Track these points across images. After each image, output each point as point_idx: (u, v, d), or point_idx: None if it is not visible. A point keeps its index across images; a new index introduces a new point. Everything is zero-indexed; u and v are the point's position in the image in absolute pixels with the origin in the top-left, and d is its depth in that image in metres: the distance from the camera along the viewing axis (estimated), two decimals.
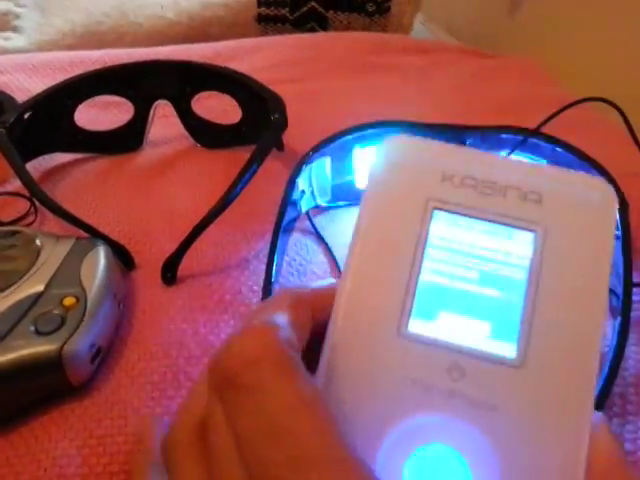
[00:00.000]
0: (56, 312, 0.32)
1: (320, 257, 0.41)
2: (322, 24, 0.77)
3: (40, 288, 0.33)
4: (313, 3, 0.75)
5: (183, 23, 0.74)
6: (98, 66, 0.52)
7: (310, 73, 0.61)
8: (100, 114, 0.52)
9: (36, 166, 0.49)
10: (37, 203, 0.43)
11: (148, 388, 0.31)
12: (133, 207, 0.45)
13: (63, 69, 0.62)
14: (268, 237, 0.37)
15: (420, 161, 0.24)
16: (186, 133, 0.52)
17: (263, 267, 0.36)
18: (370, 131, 0.42)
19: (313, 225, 0.42)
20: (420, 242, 0.22)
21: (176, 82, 0.49)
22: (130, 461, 0.28)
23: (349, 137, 0.42)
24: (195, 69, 0.49)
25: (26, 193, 0.43)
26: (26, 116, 0.46)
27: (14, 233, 0.38)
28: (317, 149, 0.41)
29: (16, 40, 0.72)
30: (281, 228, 0.37)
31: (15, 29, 0.72)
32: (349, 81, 0.63)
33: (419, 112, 0.48)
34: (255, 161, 0.39)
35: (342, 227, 0.43)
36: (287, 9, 0.75)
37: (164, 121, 0.52)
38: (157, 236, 0.42)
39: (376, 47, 0.68)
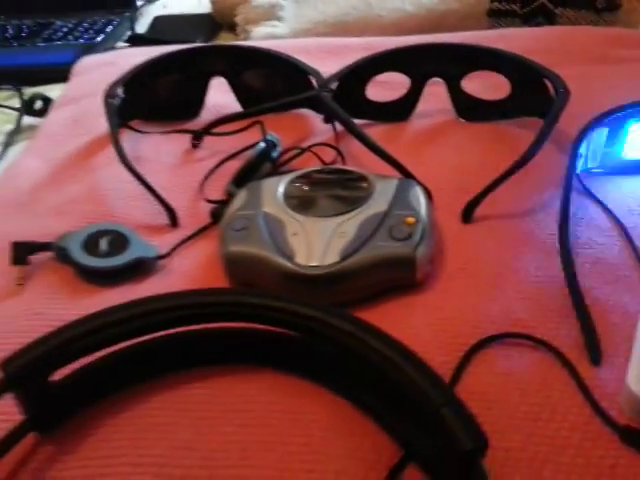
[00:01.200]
0: (404, 226, 0.41)
1: (592, 212, 0.47)
2: (550, 19, 0.82)
3: (384, 208, 0.43)
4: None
5: (421, 15, 0.83)
6: (364, 51, 0.62)
7: (554, 63, 0.67)
8: (382, 88, 0.62)
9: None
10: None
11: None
12: (410, 162, 0.54)
13: (331, 52, 0.73)
14: (550, 191, 0.44)
15: None
16: (449, 107, 0.60)
17: (550, 216, 0.44)
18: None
19: (584, 186, 0.48)
20: None
21: (450, 62, 0.58)
22: None
23: (623, 112, 0.47)
24: (470, 50, 0.57)
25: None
26: (332, 86, 0.56)
27: (346, 172, 0.48)
28: (599, 120, 0.47)
29: (280, 28, 0.86)
30: (571, 182, 0.44)
31: (279, 19, 0.86)
32: (586, 69, 0.67)
33: None
34: (550, 127, 0.46)
35: (612, 189, 0.49)
36: (518, 4, 0.81)
37: (431, 97, 0.61)
38: (445, 186, 0.50)
39: (614, 40, 0.71)
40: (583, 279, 0.40)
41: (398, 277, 0.40)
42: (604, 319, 0.37)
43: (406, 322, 0.38)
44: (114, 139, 0.51)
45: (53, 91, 0.82)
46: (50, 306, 0.40)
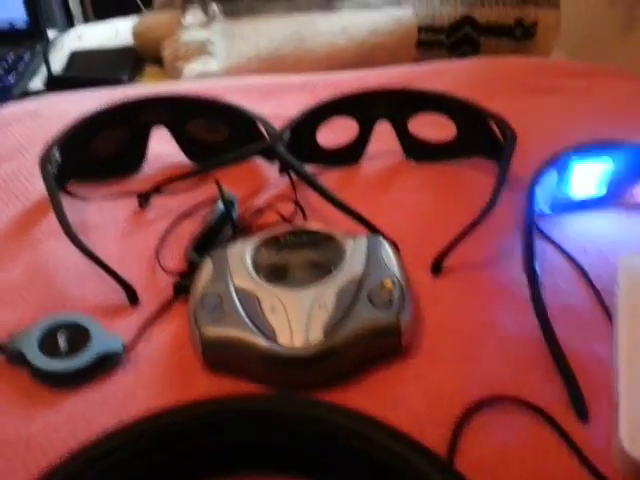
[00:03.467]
0: (383, 291, 0.41)
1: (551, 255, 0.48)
2: (474, 48, 0.85)
3: (359, 272, 0.42)
4: (468, 29, 0.84)
5: (352, 48, 0.83)
6: (302, 90, 0.61)
7: (486, 95, 0.69)
8: (331, 132, 0.61)
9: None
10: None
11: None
12: (370, 211, 0.54)
13: (270, 93, 0.72)
14: (508, 235, 0.45)
15: None
16: (398, 148, 0.61)
17: (513, 263, 0.45)
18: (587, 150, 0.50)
19: (539, 229, 0.50)
20: None
21: (396, 106, 0.58)
22: None
23: (570, 155, 0.50)
24: (415, 94, 0.58)
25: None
26: (285, 137, 0.55)
27: (312, 232, 0.47)
28: (550, 164, 0.49)
29: (212, 64, 0.83)
30: (532, 228, 0.46)
31: (210, 54, 0.83)
32: (518, 101, 0.70)
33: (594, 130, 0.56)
34: (504, 173, 0.47)
35: (564, 230, 0.51)
36: (444, 34, 0.84)
37: (378, 138, 0.61)
38: (408, 236, 0.50)
39: (538, 71, 0.75)
40: (556, 329, 0.41)
41: (383, 345, 0.40)
42: (582, 370, 0.39)
43: (397, 395, 0.38)
44: (58, 212, 0.47)
45: None
46: (7, 424, 0.36)
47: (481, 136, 0.56)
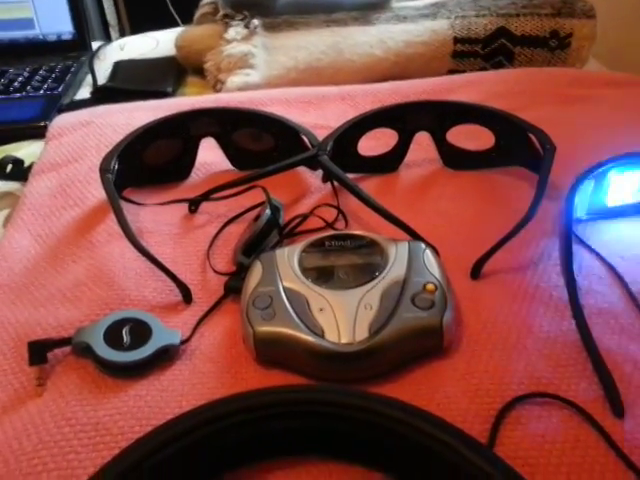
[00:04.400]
0: (425, 293, 0.43)
1: (588, 260, 0.50)
2: (509, 58, 0.87)
3: (402, 276, 0.44)
4: (503, 40, 0.85)
5: (389, 59, 0.85)
6: (341, 101, 0.64)
7: (518, 105, 0.70)
8: (371, 142, 0.64)
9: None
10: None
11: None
12: (409, 217, 0.56)
13: (310, 104, 0.75)
14: (544, 241, 0.47)
15: None
16: (436, 157, 0.63)
17: (550, 267, 0.47)
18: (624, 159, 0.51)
19: (576, 235, 0.52)
20: None
21: (436, 118, 0.60)
22: None
23: (608, 164, 0.51)
24: (456, 107, 0.60)
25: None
26: (328, 148, 0.58)
27: (356, 237, 0.49)
28: (588, 173, 0.51)
29: (253, 76, 0.86)
30: (570, 234, 0.47)
31: (252, 66, 0.87)
32: (553, 111, 0.72)
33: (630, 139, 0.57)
34: (543, 185, 0.49)
35: (601, 237, 0.52)
36: (480, 45, 0.86)
37: (416, 147, 0.64)
38: (448, 241, 0.52)
39: (573, 81, 0.76)
40: (592, 330, 0.43)
41: (425, 346, 0.42)
42: (618, 370, 0.40)
43: (440, 391, 0.39)
44: (119, 217, 0.51)
45: (20, 150, 0.80)
46: (78, 409, 0.39)
47: (520, 147, 0.58)
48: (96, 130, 0.71)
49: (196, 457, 0.31)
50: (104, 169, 0.55)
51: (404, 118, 0.60)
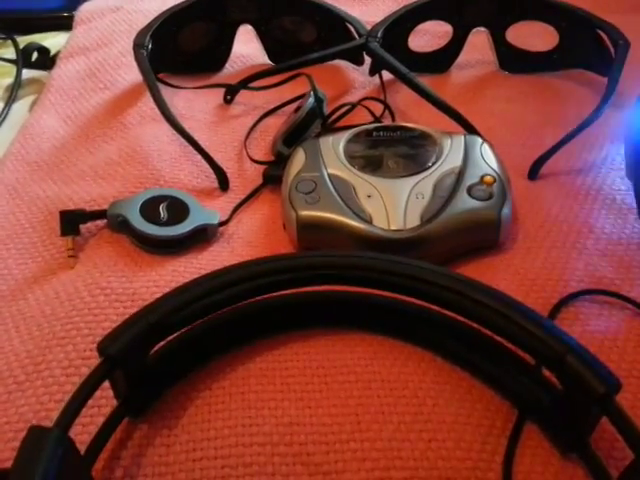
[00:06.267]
0: (483, 185, 0.40)
1: None
2: None
3: (458, 166, 0.41)
4: None
5: None
6: None
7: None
8: (422, 38, 0.59)
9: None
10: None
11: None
12: (472, 116, 0.51)
13: None
14: (607, 145, 0.43)
15: None
16: (490, 59, 0.58)
17: (614, 171, 0.43)
18: None
19: None
20: None
21: (497, 11, 0.55)
22: None
23: None
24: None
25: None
26: (379, 35, 0.53)
27: (407, 129, 0.46)
28: None
29: None
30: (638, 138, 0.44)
31: None
32: (629, 19, 0.66)
33: None
34: (614, 83, 0.45)
35: None
36: None
37: (471, 48, 0.59)
38: (506, 141, 0.48)
39: None
40: None
41: (480, 239, 0.39)
42: None
43: (493, 285, 0.37)
44: (155, 95, 0.48)
45: (46, 40, 0.76)
46: (113, 280, 0.37)
47: (586, 46, 0.53)
48: (126, 15, 0.67)
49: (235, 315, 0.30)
50: (138, 44, 0.51)
51: (462, 9, 0.55)
